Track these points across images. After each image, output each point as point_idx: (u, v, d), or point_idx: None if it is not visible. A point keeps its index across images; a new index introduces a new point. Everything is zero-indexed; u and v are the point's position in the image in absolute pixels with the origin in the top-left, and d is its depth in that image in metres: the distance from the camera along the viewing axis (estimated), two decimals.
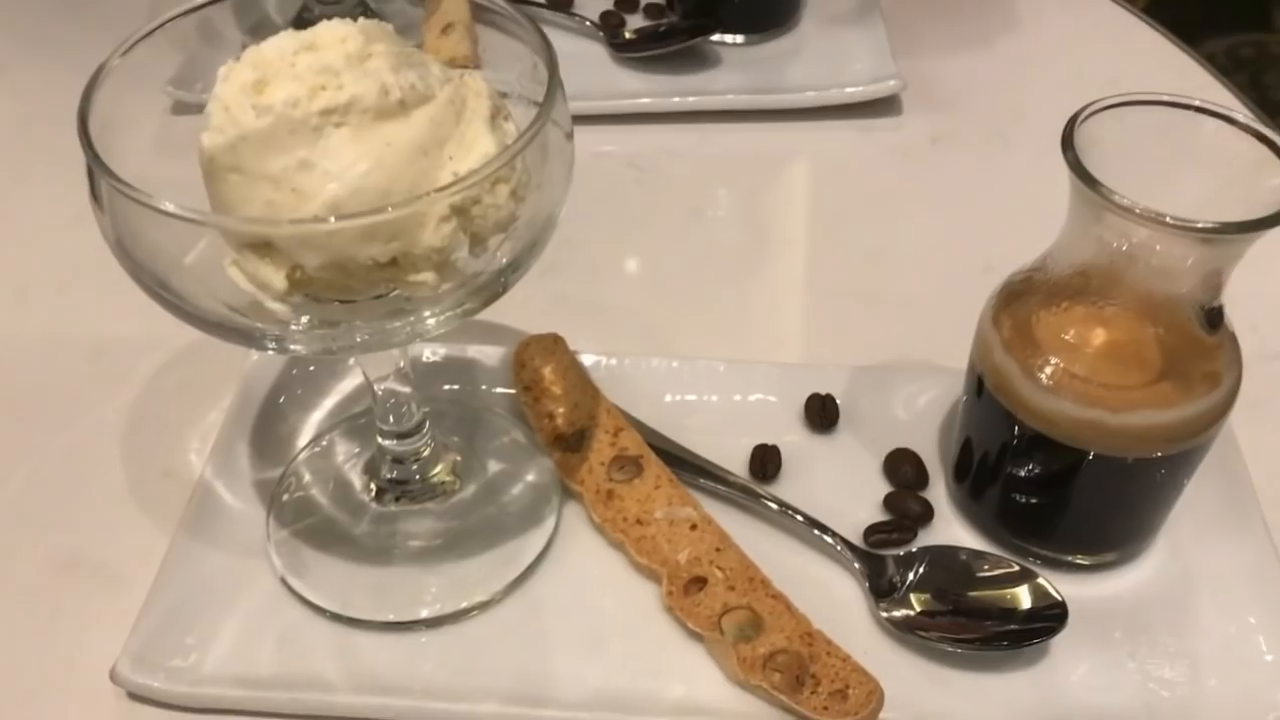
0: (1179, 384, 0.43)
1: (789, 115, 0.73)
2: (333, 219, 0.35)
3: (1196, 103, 0.41)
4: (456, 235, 0.37)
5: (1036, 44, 0.80)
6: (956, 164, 0.70)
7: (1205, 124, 0.41)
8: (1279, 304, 0.60)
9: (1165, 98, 0.41)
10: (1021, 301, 0.45)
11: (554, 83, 0.39)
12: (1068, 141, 0.40)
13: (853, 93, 0.72)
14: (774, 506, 0.49)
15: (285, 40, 0.37)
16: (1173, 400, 0.43)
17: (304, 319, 0.39)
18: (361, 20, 0.38)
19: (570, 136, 0.41)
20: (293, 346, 0.39)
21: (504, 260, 0.39)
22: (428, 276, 0.37)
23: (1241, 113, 0.41)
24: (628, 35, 0.76)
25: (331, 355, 0.40)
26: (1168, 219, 0.38)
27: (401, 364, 0.45)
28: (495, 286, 0.39)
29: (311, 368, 0.55)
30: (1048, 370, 0.43)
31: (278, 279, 0.37)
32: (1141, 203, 0.39)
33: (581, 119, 0.72)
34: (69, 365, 0.58)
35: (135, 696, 0.44)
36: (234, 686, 0.44)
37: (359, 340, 0.39)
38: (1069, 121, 0.40)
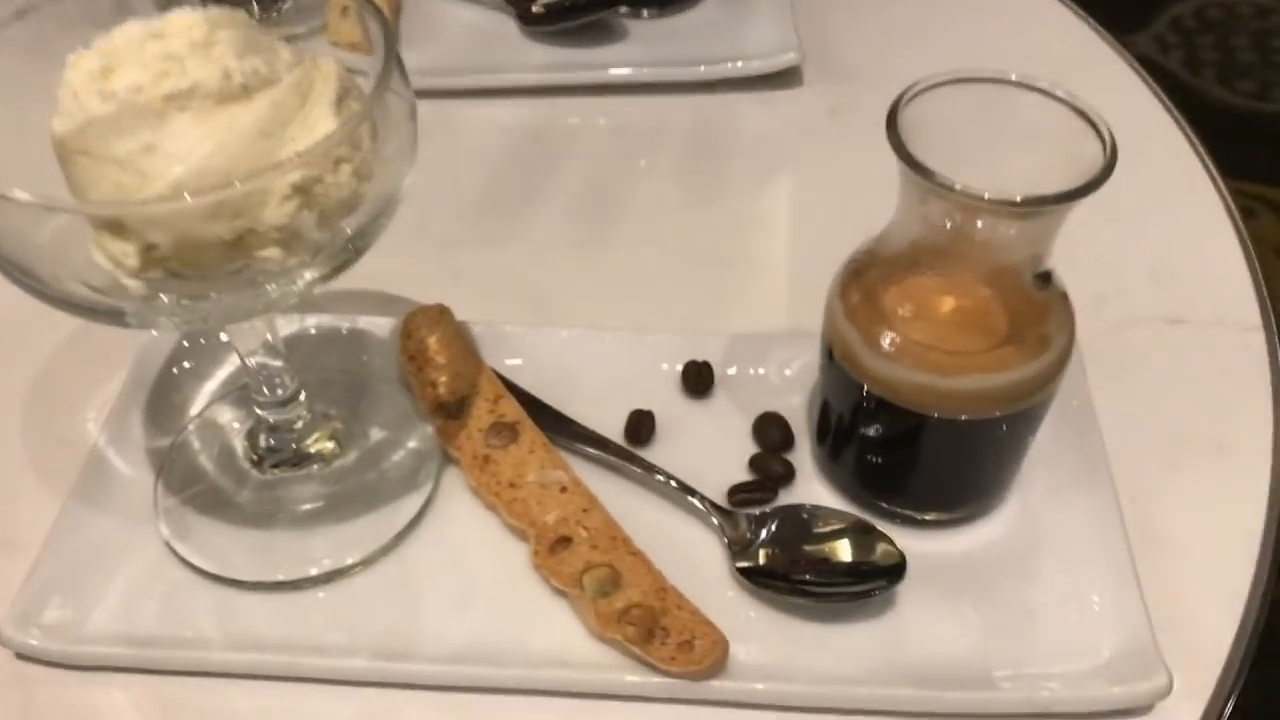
0: (1012, 348, 0.45)
1: (690, 88, 0.74)
2: (179, 198, 0.37)
3: (1015, 78, 0.43)
4: (301, 214, 0.38)
5: (940, 19, 0.82)
6: (854, 136, 0.72)
7: (1027, 98, 0.43)
8: (1151, 268, 0.62)
9: (988, 74, 0.43)
10: (865, 274, 0.47)
11: (390, 60, 0.40)
12: (891, 122, 0.42)
13: (751, 65, 0.73)
14: (642, 470, 0.51)
15: (134, 29, 0.39)
16: (1003, 363, 0.45)
17: (163, 296, 0.40)
18: (211, 8, 0.40)
19: (414, 114, 0.42)
20: (157, 322, 0.41)
21: (349, 232, 0.41)
22: (273, 253, 0.39)
23: (1061, 87, 0.43)
24: (536, 9, 0.78)
25: (197, 329, 0.42)
26: (985, 196, 0.40)
27: (269, 337, 0.47)
28: (345, 255, 0.41)
29: (202, 340, 0.57)
30: (885, 339, 0.45)
31: (131, 257, 0.39)
32: (962, 181, 0.40)
33: (487, 92, 0.74)
34: None
35: (22, 656, 0.46)
36: (114, 644, 0.46)
37: (218, 313, 0.40)
38: (894, 102, 0.42)
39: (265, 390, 0.49)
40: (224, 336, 0.55)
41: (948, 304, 0.47)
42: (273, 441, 0.51)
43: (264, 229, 0.38)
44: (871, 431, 0.48)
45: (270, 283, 0.40)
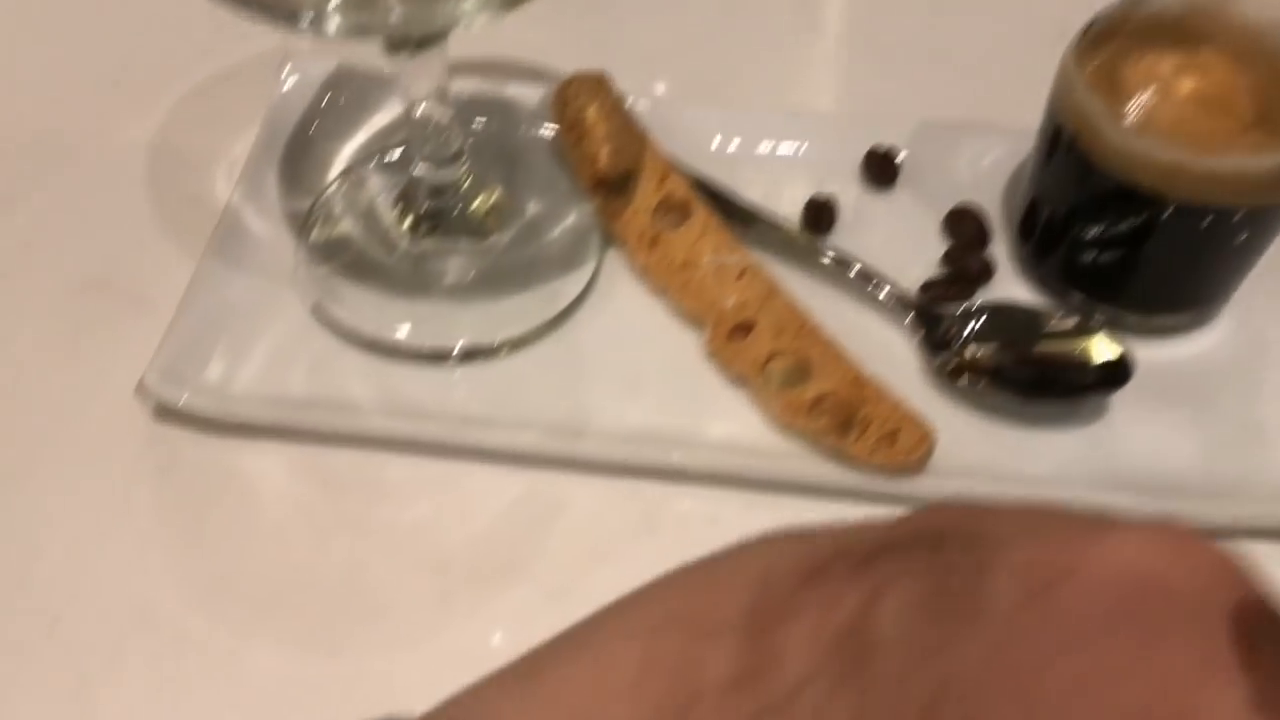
0: (1272, 133, 0.40)
1: None
2: None
3: None
4: None
5: None
6: None
7: None
8: None
9: None
10: (1110, 41, 0.42)
11: None
12: None
13: None
14: (827, 258, 0.47)
15: None
16: (1264, 147, 0.40)
17: None
18: None
19: None
20: (329, 23, 0.36)
21: None
22: None
23: None
24: None
25: (365, 34, 0.37)
26: None
27: (440, 83, 0.42)
28: None
29: (341, 100, 0.52)
30: (1133, 110, 0.40)
31: None
32: None
33: None
34: (89, 93, 0.56)
35: (161, 414, 0.43)
36: (264, 406, 0.43)
37: (394, 20, 0.36)
38: None
39: (429, 145, 0.45)
40: (391, 79, 0.50)
41: (1196, 82, 0.42)
42: (434, 205, 0.47)
43: None
44: (1094, 224, 0.44)
45: None
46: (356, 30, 0.36)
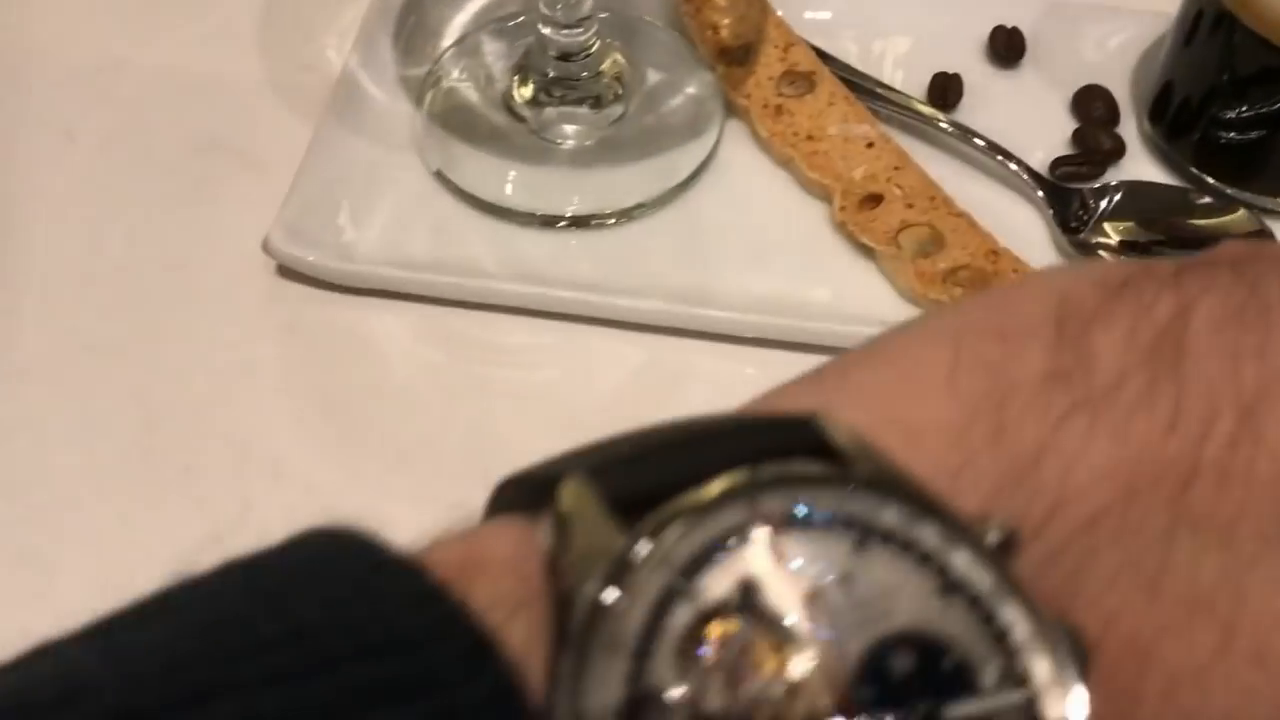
0: None
1: None
2: None
3: None
4: None
5: None
6: None
7: None
8: None
9: None
10: None
11: None
12: None
13: None
14: (955, 131, 0.46)
15: None
16: None
17: None
18: None
19: None
20: None
21: None
22: None
23: None
24: None
25: None
26: None
27: None
28: None
29: None
30: None
31: None
32: None
33: None
34: None
35: (284, 272, 0.43)
36: (389, 266, 0.42)
37: None
38: None
39: (559, 5, 0.44)
40: None
41: None
42: (559, 71, 0.45)
43: None
44: (1238, 104, 0.42)
45: None
46: None
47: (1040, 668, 0.16)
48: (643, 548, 0.16)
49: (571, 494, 0.17)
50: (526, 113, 0.46)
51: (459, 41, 0.49)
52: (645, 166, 0.45)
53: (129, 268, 0.44)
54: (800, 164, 0.45)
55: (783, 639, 0.15)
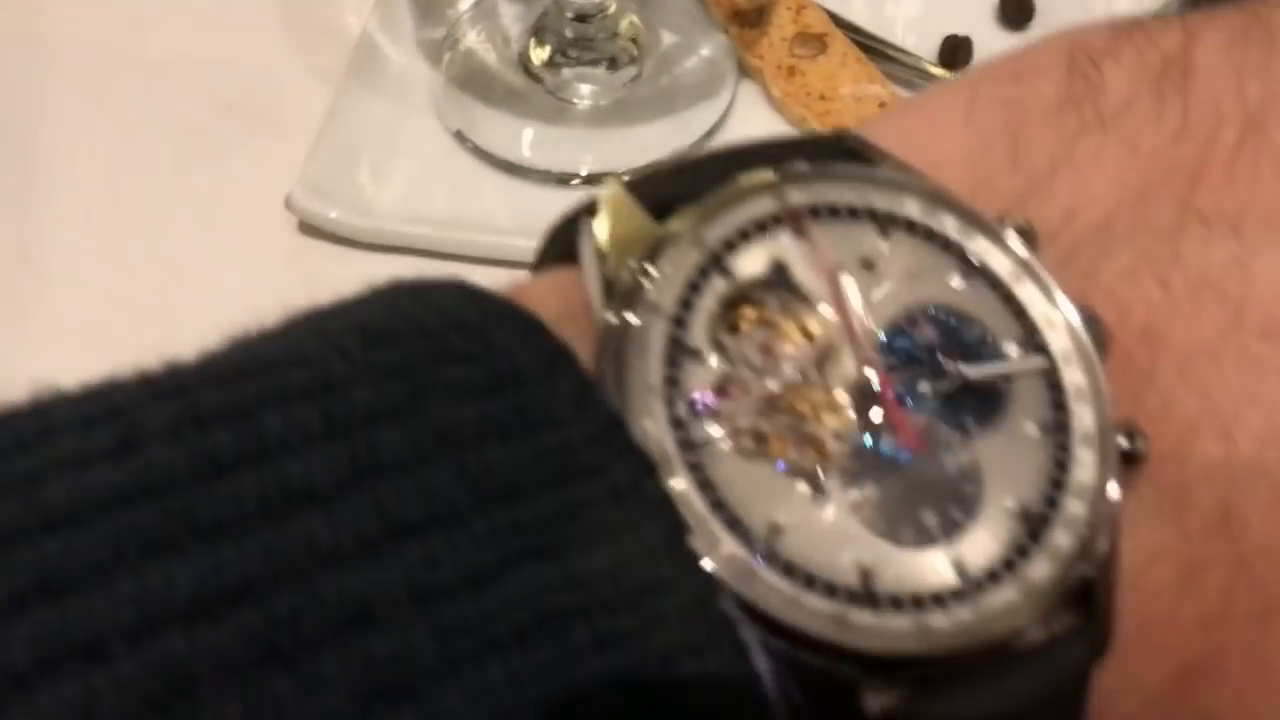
0: None
1: None
2: None
3: None
4: None
5: None
6: None
7: None
8: None
9: None
10: None
11: None
12: None
13: None
14: None
15: None
16: None
17: None
18: None
19: None
20: None
21: None
22: None
23: None
24: None
25: None
26: None
27: None
28: None
29: None
30: None
31: None
32: None
33: None
34: None
35: (306, 229, 0.44)
36: (409, 223, 0.43)
37: None
38: None
39: None
40: None
41: None
42: (577, 32, 0.46)
43: None
44: None
45: None
46: None
47: (1057, 340, 0.17)
48: (678, 229, 0.17)
49: (610, 197, 0.17)
50: (543, 74, 0.47)
51: (476, 4, 0.50)
52: (660, 126, 0.46)
53: (154, 228, 0.45)
54: (813, 124, 0.46)
55: (812, 314, 0.16)
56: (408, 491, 0.14)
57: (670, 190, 0.17)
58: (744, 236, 0.17)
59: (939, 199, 0.17)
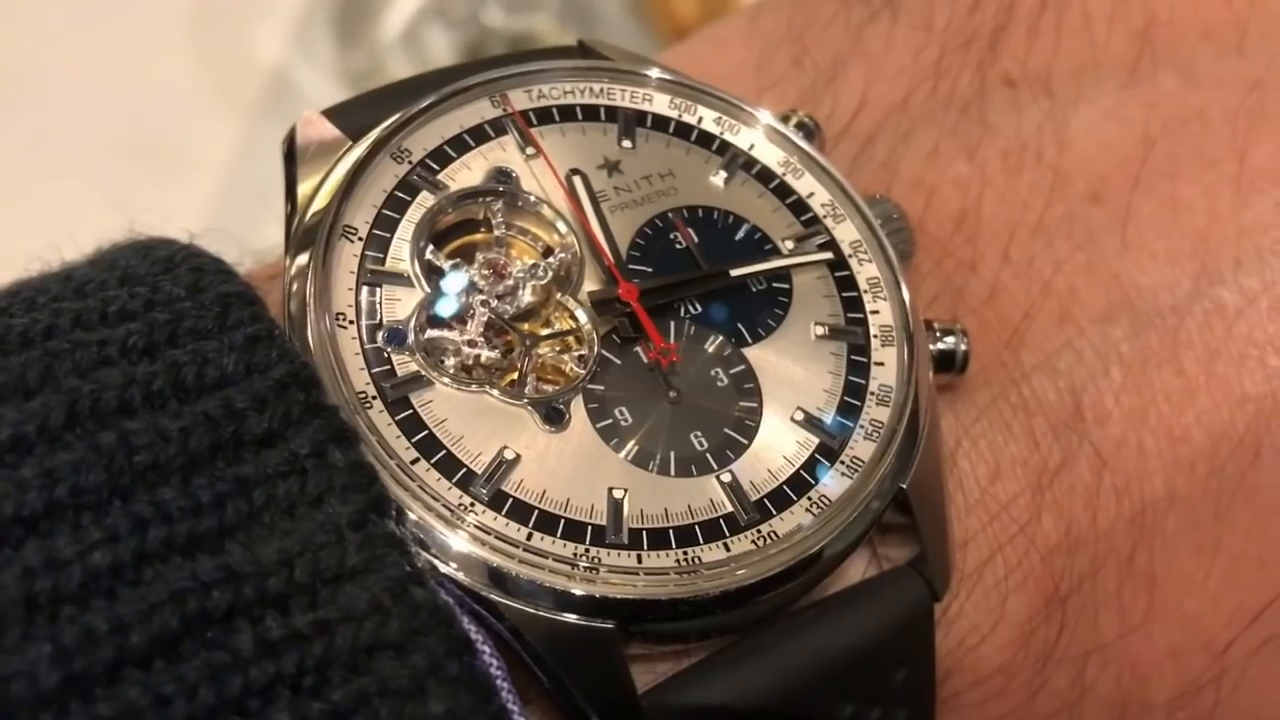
0: None
1: None
2: None
3: None
4: None
5: None
6: None
7: None
8: None
9: None
10: None
11: None
12: None
13: None
14: None
15: None
16: None
17: None
18: None
19: None
20: None
21: None
22: None
23: None
24: None
25: None
26: None
27: None
28: None
29: None
30: None
31: None
32: None
33: None
34: None
35: None
36: None
37: None
38: None
39: None
40: None
41: None
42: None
43: None
44: None
45: None
46: None
47: (844, 233, 0.16)
48: (375, 144, 0.16)
49: (303, 122, 0.17)
50: None
51: (403, 31, 0.46)
52: None
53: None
54: None
55: (547, 226, 0.15)
56: (26, 480, 0.12)
57: (370, 116, 0.16)
58: (459, 146, 0.15)
59: (696, 95, 0.16)
